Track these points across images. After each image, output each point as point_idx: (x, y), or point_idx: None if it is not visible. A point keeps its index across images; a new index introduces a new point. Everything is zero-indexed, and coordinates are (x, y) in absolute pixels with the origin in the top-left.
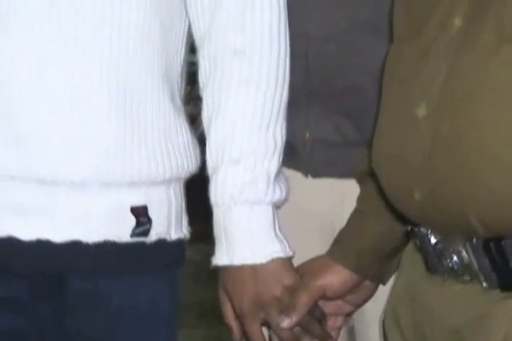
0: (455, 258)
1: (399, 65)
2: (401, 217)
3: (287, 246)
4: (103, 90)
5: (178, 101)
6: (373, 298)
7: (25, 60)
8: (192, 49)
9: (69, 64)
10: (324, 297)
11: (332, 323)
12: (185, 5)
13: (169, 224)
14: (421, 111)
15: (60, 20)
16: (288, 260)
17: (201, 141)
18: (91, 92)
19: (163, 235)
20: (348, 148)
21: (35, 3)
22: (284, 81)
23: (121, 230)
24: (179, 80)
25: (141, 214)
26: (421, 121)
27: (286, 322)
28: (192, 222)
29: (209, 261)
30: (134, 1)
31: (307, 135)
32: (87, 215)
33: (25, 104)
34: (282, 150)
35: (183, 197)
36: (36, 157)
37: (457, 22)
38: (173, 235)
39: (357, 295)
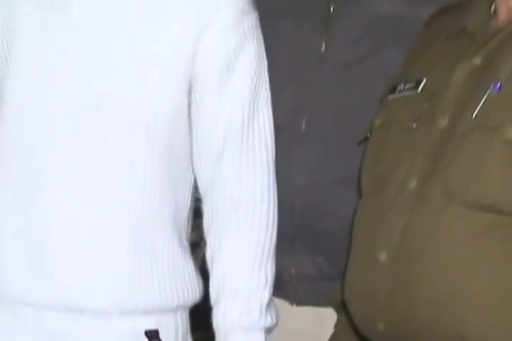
0: None
1: (366, 217)
2: None
3: None
4: (123, 237)
5: (185, 242)
6: None
7: (61, 211)
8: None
9: (97, 216)
10: None
11: None
12: (192, 165)
13: None
14: (383, 257)
15: (88, 186)
16: None
17: (203, 267)
18: (113, 239)
19: None
20: (326, 281)
21: (65, 174)
22: (273, 227)
23: None
24: (186, 223)
25: (153, 336)
26: (383, 265)
27: None
28: (194, 330)
29: None
30: (148, 166)
31: (292, 271)
32: (108, 338)
33: (59, 247)
34: (272, 284)
35: (188, 322)
36: (67, 290)
37: (413, 184)
38: None
39: None
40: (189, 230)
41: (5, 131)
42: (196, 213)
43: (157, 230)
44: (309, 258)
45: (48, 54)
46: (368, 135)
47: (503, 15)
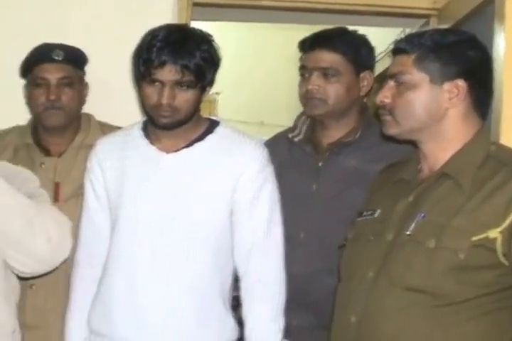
0: None
1: (343, 294)
2: None
3: None
4: (190, 301)
5: (227, 304)
6: None
7: (151, 287)
8: None
9: (174, 290)
10: None
11: None
12: (232, 257)
13: None
14: (353, 319)
15: (167, 271)
16: None
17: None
18: (185, 303)
19: None
20: (314, 330)
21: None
22: (283, 296)
23: None
24: (229, 293)
25: None
26: (354, 324)
27: None
28: None
29: None
30: (204, 259)
31: (294, 323)
32: None
33: (150, 307)
34: (283, 330)
35: None
36: (153, 333)
37: (370, 274)
38: None
39: None
40: (231, 293)
41: (118, 239)
42: (236, 280)
43: (211, 298)
44: (305, 315)
45: (146, 192)
46: (345, 243)
47: (425, 171)
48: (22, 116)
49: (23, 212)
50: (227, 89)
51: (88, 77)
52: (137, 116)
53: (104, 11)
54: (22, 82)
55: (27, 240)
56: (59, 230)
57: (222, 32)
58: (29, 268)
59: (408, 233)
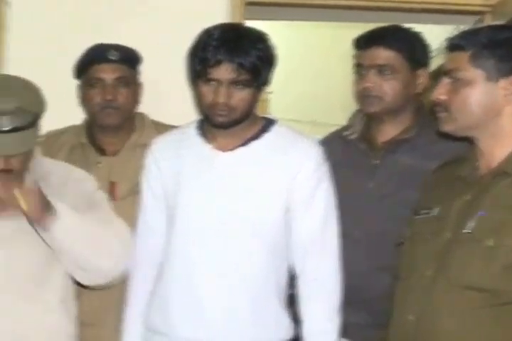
0: None
1: (402, 293)
2: None
3: None
4: (246, 301)
5: (283, 303)
6: None
7: (209, 284)
8: None
9: (230, 286)
10: None
11: None
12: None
13: None
14: (411, 317)
15: (223, 268)
16: None
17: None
18: (241, 302)
19: None
20: (369, 327)
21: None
22: (339, 293)
23: None
24: (284, 291)
25: None
26: (412, 322)
27: None
28: None
29: None
30: (259, 256)
31: (350, 320)
32: None
33: (210, 305)
34: (339, 328)
35: None
36: (212, 330)
37: (429, 273)
38: None
39: None
40: (287, 291)
41: (174, 238)
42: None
43: (267, 297)
44: (360, 313)
45: (200, 191)
46: (402, 240)
47: (482, 168)
48: (77, 115)
49: (85, 232)
50: (278, 87)
51: (141, 77)
52: (189, 115)
53: (157, 10)
54: (74, 82)
55: (91, 258)
56: (121, 242)
57: (272, 30)
58: (92, 282)
59: (467, 231)
